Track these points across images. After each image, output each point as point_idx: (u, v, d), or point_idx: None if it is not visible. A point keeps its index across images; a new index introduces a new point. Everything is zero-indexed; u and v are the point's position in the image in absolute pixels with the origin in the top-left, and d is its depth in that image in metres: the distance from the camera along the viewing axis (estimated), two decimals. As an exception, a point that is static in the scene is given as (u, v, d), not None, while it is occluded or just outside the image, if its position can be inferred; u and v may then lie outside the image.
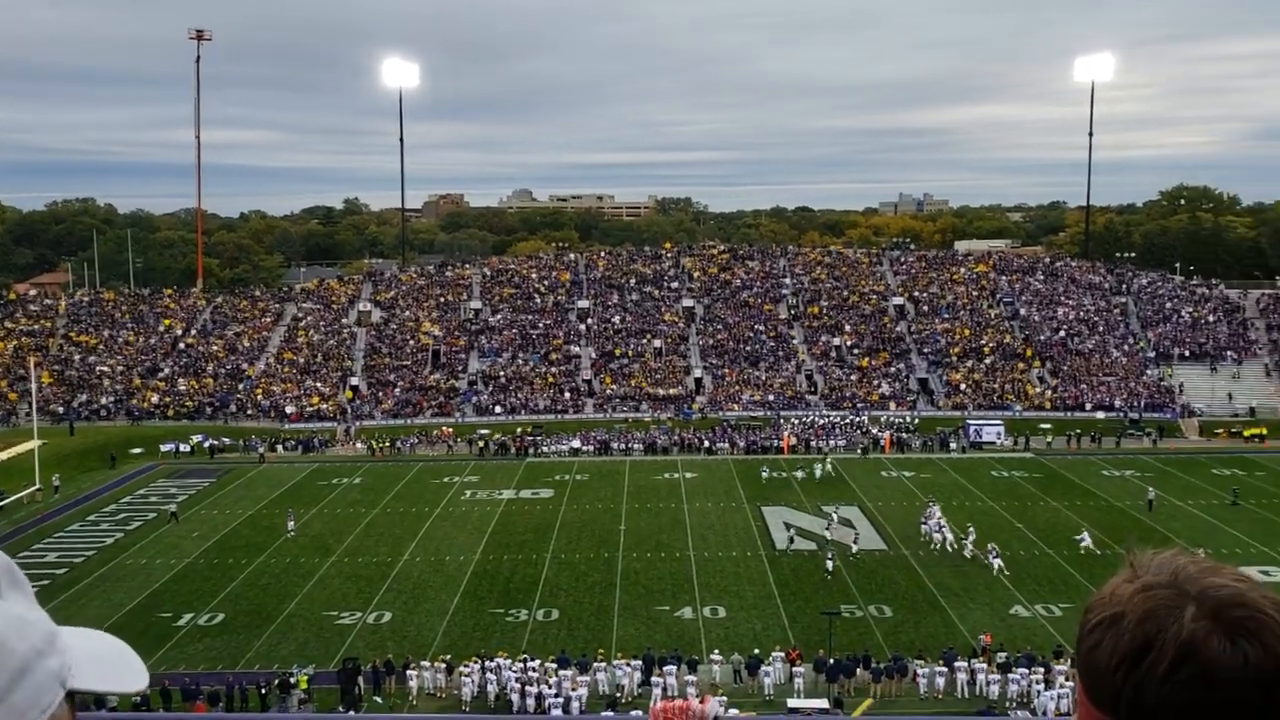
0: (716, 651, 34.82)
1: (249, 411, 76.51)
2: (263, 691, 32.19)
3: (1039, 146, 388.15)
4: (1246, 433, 69.18)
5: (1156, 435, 69.12)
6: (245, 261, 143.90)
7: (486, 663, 33.76)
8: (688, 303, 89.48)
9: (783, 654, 34.33)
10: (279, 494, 59.10)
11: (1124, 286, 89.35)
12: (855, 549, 46.27)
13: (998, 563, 43.62)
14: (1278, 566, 43.99)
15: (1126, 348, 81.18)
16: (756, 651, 34.83)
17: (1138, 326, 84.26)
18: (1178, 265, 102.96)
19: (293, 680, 32.36)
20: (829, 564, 43.84)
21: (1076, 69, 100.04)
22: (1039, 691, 32.07)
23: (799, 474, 59.40)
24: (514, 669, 33.29)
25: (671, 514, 53.70)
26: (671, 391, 78.52)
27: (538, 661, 33.91)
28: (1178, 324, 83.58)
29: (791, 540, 47.72)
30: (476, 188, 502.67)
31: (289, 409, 75.81)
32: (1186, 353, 79.86)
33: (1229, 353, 79.45)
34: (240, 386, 79.29)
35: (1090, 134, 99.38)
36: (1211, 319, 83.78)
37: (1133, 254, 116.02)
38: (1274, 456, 64.46)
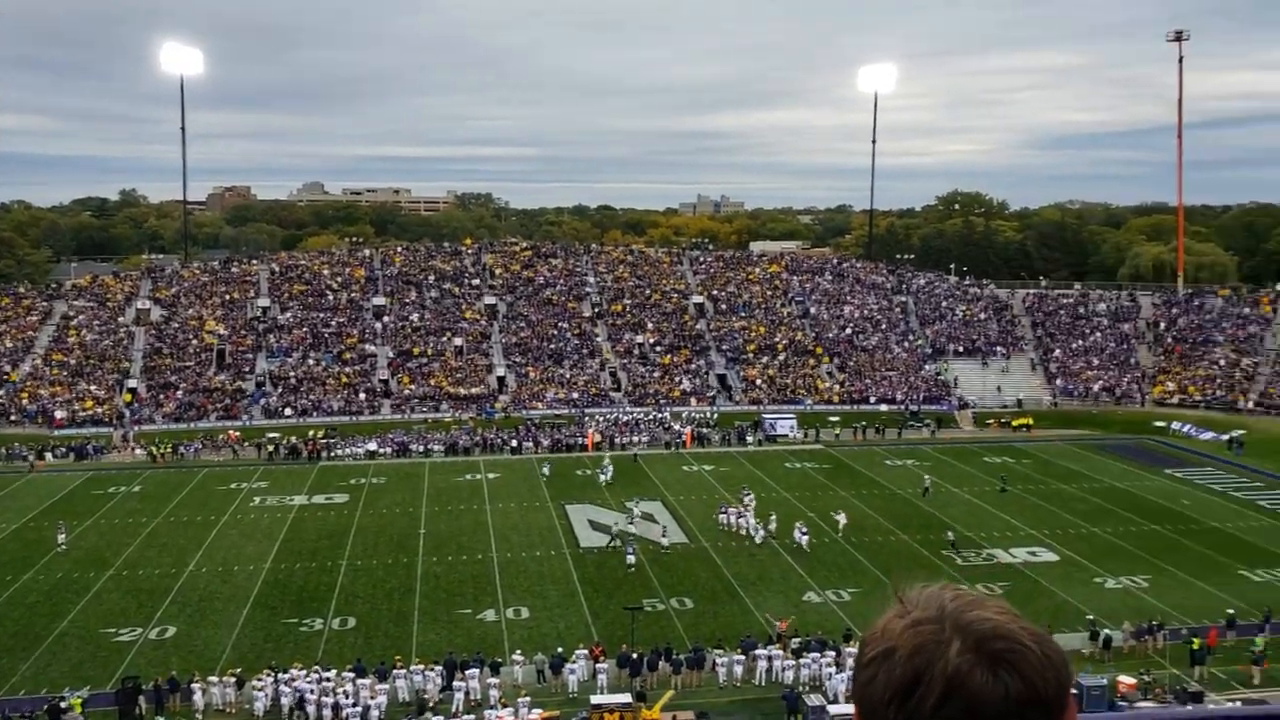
0: (519, 652, 34.60)
1: (12, 417, 70.73)
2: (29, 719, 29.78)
3: (828, 152, 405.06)
4: (1015, 423, 74.31)
5: (934, 426, 73.33)
6: (8, 256, 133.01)
7: (280, 675, 32.38)
8: (489, 300, 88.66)
9: (586, 651, 34.44)
10: (49, 505, 54.90)
11: (904, 287, 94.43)
12: (666, 543, 47.04)
13: (805, 539, 46.40)
14: (1043, 547, 47.47)
15: (907, 344, 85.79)
16: (560, 650, 34.81)
17: (917, 324, 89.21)
18: (952, 266, 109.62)
19: (64, 705, 30.07)
20: (630, 558, 44.43)
21: (861, 78, 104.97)
22: (830, 675, 33.40)
23: (602, 476, 59.60)
24: (309, 680, 32.07)
25: (473, 516, 53.05)
26: (473, 391, 77.60)
27: (334, 671, 32.80)
28: (952, 322, 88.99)
29: (614, 540, 48.03)
30: (264, 180, 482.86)
31: (58, 413, 70.52)
32: (960, 348, 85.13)
33: (998, 348, 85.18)
34: (1, 391, 73.19)
35: (874, 141, 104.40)
36: (983, 317, 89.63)
37: (912, 256, 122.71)
38: (1039, 445, 69.53)
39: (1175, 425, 72.10)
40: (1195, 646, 34.29)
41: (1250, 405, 74.65)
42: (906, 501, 55.04)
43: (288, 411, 73.86)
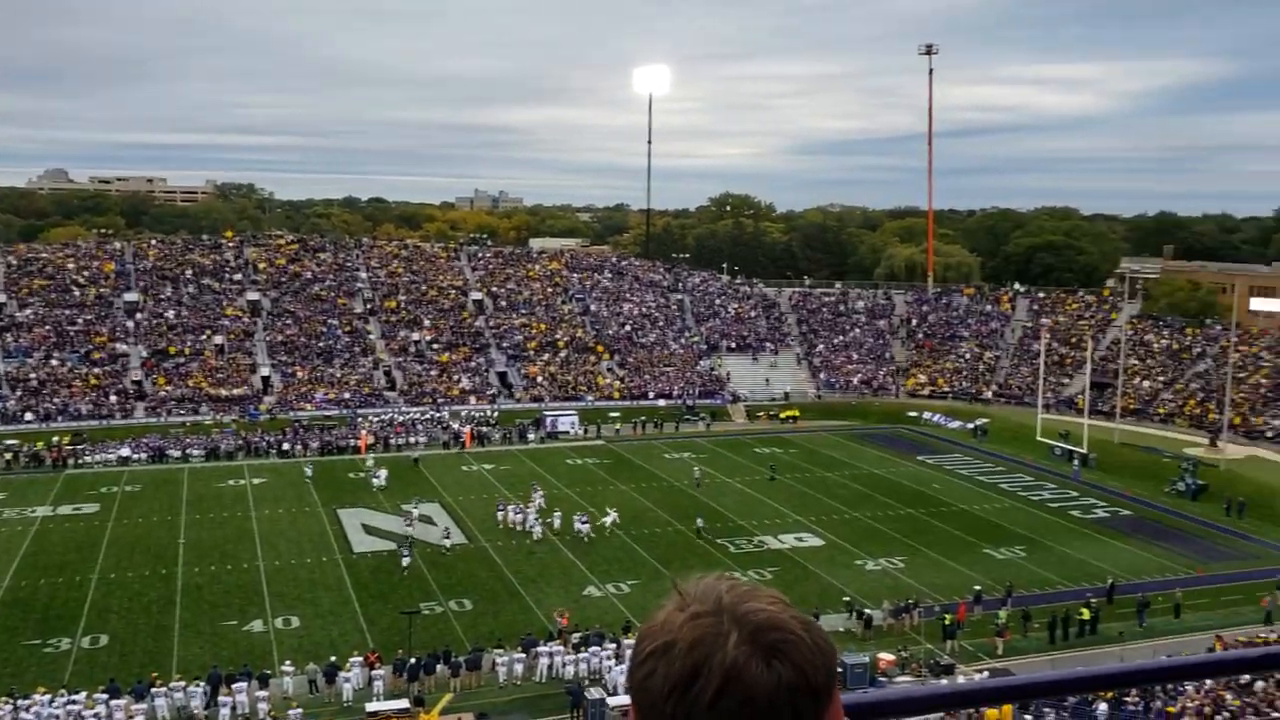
0: (289, 663, 33.18)
1: None
2: None
3: (606, 150, 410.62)
4: (782, 415, 77.51)
5: (709, 419, 75.50)
6: None
7: (19, 701, 29.71)
8: (253, 296, 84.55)
9: (361, 658, 33.42)
10: None
11: (680, 285, 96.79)
12: (449, 544, 46.23)
13: (585, 527, 47.51)
14: (810, 533, 49.69)
15: (683, 341, 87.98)
16: (333, 659, 33.62)
17: (692, 321, 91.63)
18: (725, 266, 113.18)
19: None
20: (404, 560, 43.57)
21: (636, 79, 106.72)
22: (610, 667, 33.77)
23: (375, 481, 57.59)
24: (54, 706, 29.59)
25: (238, 523, 50.45)
26: (236, 392, 73.80)
27: (83, 694, 30.40)
28: (725, 319, 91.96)
29: (410, 544, 46.69)
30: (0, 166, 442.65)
31: None
32: (733, 345, 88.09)
33: (767, 344, 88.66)
34: None
35: (649, 141, 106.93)
36: (753, 314, 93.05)
37: (687, 255, 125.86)
38: (805, 435, 72.79)
39: (926, 415, 77.15)
40: (947, 622, 36.77)
41: (992, 395, 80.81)
42: (683, 493, 56.35)
43: (28, 416, 67.99)
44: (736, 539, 48.46)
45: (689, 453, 66.49)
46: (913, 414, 77.83)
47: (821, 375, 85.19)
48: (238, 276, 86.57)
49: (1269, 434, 65.23)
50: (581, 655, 34.35)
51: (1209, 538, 50.12)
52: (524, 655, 34.29)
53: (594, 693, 31.80)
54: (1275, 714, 25.74)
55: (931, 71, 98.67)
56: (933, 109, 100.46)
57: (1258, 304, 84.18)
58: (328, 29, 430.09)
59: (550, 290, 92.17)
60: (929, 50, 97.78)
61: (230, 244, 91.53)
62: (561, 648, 34.72)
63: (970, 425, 73.04)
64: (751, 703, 1.43)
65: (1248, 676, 27.66)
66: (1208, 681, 27.80)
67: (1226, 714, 26.44)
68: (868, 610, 38.27)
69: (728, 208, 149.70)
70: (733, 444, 69.77)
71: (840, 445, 69.96)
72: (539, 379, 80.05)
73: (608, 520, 49.46)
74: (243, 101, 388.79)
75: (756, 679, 1.43)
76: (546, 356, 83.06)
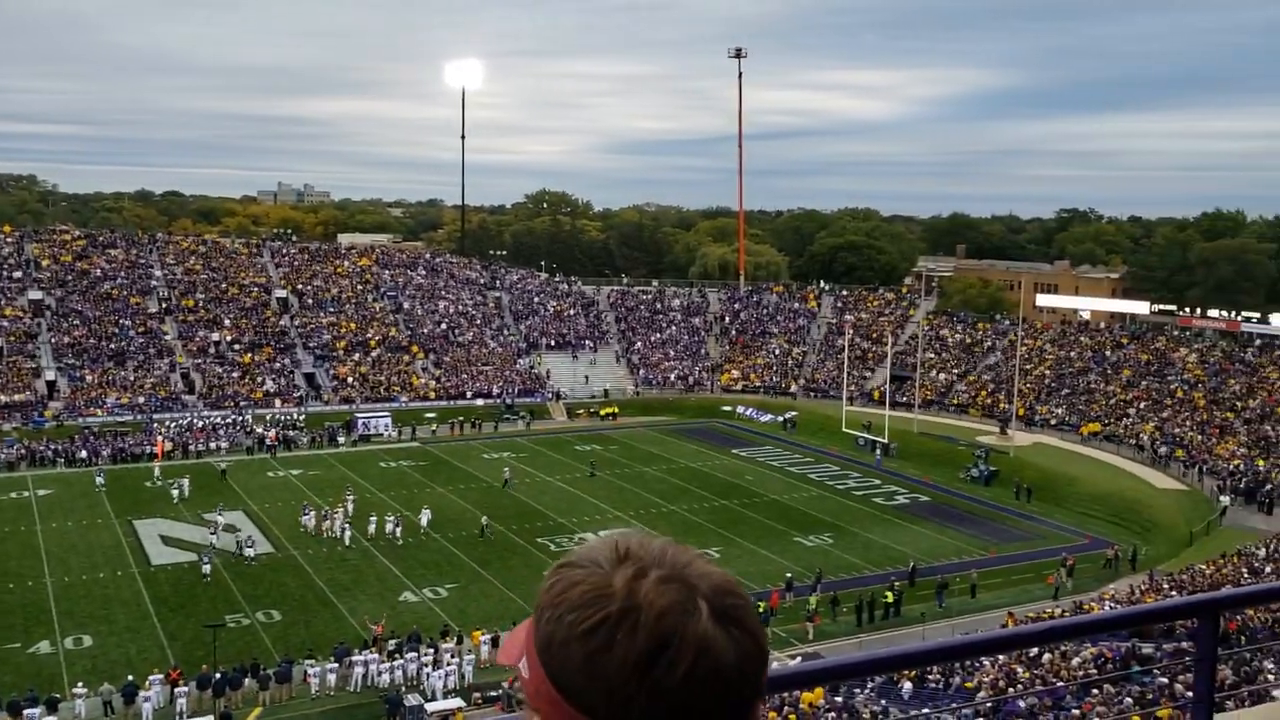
0: (81, 684, 31.03)
1: None
2: None
3: (418, 145, 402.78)
4: (602, 412, 77.90)
5: (529, 418, 75.10)
6: None
7: None
8: (35, 295, 78.64)
9: (162, 676, 31.58)
10: None
11: (497, 282, 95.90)
12: (251, 554, 44.14)
13: (397, 530, 46.82)
14: (628, 527, 50.05)
15: (501, 339, 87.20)
16: (131, 678, 31.61)
17: (510, 319, 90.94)
18: (543, 263, 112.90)
19: None
20: (205, 568, 41.58)
21: (448, 73, 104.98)
22: (429, 674, 33.06)
23: (174, 491, 54.45)
24: None
25: (21, 538, 46.83)
26: (17, 398, 68.44)
27: None
28: (544, 317, 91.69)
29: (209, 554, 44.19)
30: None
31: None
32: (552, 342, 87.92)
33: (587, 341, 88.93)
34: None
35: (463, 136, 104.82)
36: (572, 312, 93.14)
37: (504, 252, 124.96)
38: (624, 431, 73.39)
39: (740, 409, 79.12)
40: (761, 609, 37.73)
41: (800, 389, 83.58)
42: (503, 494, 55.82)
43: None
44: (557, 537, 48.34)
45: (508, 452, 65.94)
46: (727, 408, 79.64)
47: (640, 372, 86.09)
48: (17, 274, 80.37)
49: (1052, 422, 69.95)
50: (397, 662, 33.51)
51: (1001, 520, 53.31)
52: (337, 665, 33.18)
53: (412, 699, 31.05)
54: (1060, 683, 27.47)
55: (741, 75, 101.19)
56: (742, 111, 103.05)
57: (1042, 300, 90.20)
58: (113, 11, 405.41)
59: (360, 288, 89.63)
60: (738, 54, 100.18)
61: (8, 239, 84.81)
62: (376, 655, 33.76)
63: (781, 418, 75.34)
64: (719, 675, 1.28)
65: (1036, 650, 29.49)
66: (1000, 656, 29.46)
67: (1020, 685, 28.08)
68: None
69: (545, 205, 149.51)
70: (553, 442, 69.62)
71: (658, 440, 70.88)
72: (349, 380, 77.68)
73: (423, 520, 48.63)
74: (18, 87, 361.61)
75: (724, 650, 1.29)
76: (357, 356, 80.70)
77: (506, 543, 47.48)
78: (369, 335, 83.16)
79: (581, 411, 78.36)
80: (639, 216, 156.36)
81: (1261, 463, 57.04)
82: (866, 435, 67.19)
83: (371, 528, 47.47)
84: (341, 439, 68.37)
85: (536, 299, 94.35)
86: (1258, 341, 71.39)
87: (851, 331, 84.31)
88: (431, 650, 34.03)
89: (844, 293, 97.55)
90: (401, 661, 33.52)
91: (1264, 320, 73.26)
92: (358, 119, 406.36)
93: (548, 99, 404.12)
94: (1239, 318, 74.46)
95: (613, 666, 1.27)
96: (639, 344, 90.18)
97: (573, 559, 1.37)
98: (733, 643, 1.29)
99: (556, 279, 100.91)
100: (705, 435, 72.92)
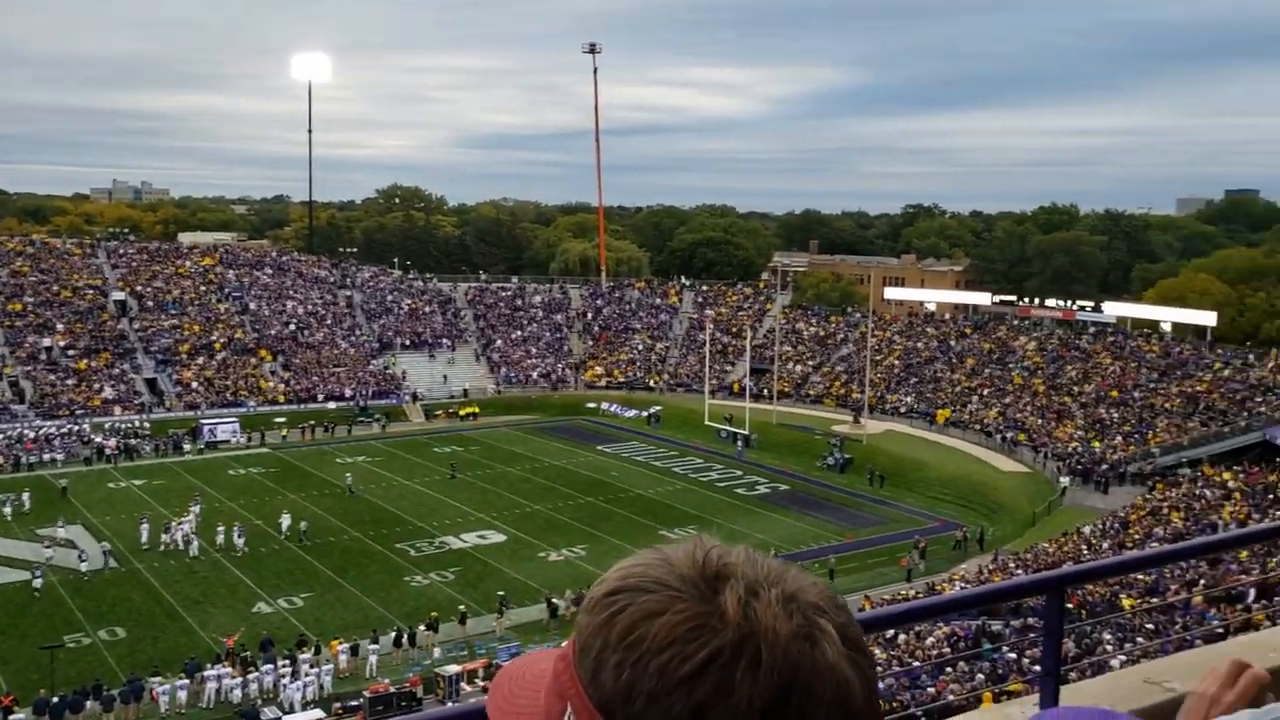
0: (-102, 721, 28.74)
1: None
2: None
3: (262, 140, 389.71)
4: (462, 412, 76.76)
5: (385, 420, 73.39)
6: None
7: None
8: None
9: (-10, 706, 29.55)
10: None
11: (348, 281, 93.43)
12: (85, 570, 41.76)
13: (241, 540, 44.94)
14: (492, 529, 49.45)
15: (353, 339, 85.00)
16: (-45, 710, 29.48)
17: (363, 319, 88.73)
18: (396, 260, 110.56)
19: None
20: (36, 582, 39.24)
21: (294, 66, 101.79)
22: (285, 685, 31.92)
23: (6, 508, 51.08)
24: None
25: None
26: None
27: None
28: (399, 315, 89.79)
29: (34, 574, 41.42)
30: None
31: None
32: (407, 342, 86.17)
33: (444, 340, 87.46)
34: None
35: (310, 131, 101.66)
36: (428, 310, 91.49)
37: (355, 249, 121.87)
38: (485, 432, 72.47)
39: (604, 405, 79.15)
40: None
41: (663, 384, 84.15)
42: (359, 499, 54.39)
43: None
44: (417, 542, 47.35)
45: (363, 456, 64.32)
46: (591, 405, 79.55)
47: (501, 370, 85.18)
48: None
49: (902, 410, 72.26)
50: (252, 675, 32.23)
51: (856, 506, 54.76)
52: (188, 681, 31.70)
53: (268, 713, 29.90)
54: (915, 663, 28.30)
55: (596, 70, 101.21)
56: (599, 107, 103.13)
57: (891, 293, 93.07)
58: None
59: (204, 288, 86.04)
60: (593, 49, 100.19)
61: None
62: (229, 669, 32.39)
63: (645, 413, 75.69)
64: (853, 712, 1.00)
65: (891, 631, 30.32)
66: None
67: (879, 668, 28.83)
68: (554, 600, 38.55)
69: (397, 200, 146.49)
70: (411, 444, 68.21)
71: (521, 440, 70.26)
72: (194, 385, 74.45)
73: (284, 524, 47.08)
74: None
75: (854, 682, 1.01)
76: (201, 360, 77.41)
77: (364, 549, 46.23)
78: (214, 338, 79.87)
79: (440, 412, 77.05)
80: (496, 212, 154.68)
81: (1097, 444, 60.15)
82: (728, 428, 68.09)
83: (219, 537, 45.59)
84: (187, 446, 65.48)
85: (390, 297, 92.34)
86: (1091, 329, 75.27)
87: (712, 326, 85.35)
88: (289, 661, 32.85)
89: (704, 288, 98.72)
90: (257, 674, 32.26)
91: (1097, 309, 77.25)
92: (199, 113, 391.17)
93: (398, 93, 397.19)
94: (1074, 307, 78.30)
95: (734, 717, 0.94)
96: (499, 342, 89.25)
97: (631, 583, 1.03)
98: (858, 671, 1.02)
99: (411, 276, 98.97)
100: (569, 433, 72.65)
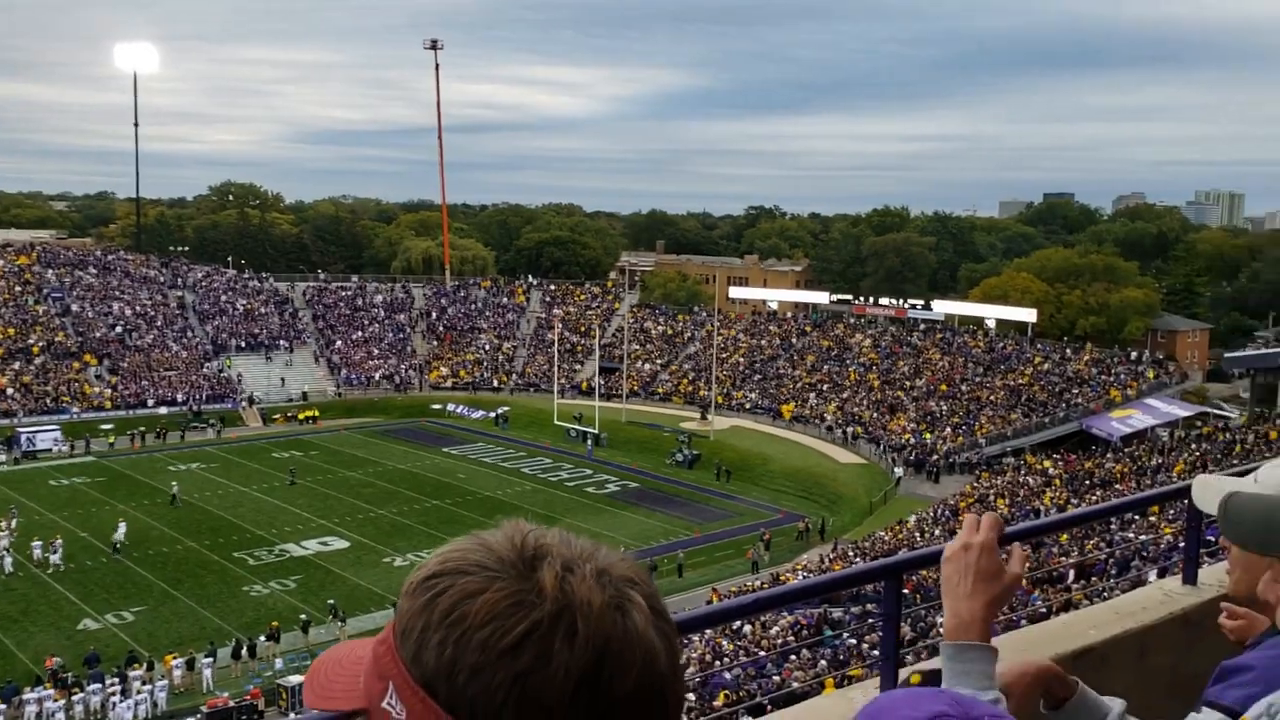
0: None
1: None
2: None
3: (84, 133, 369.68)
4: (301, 415, 74.44)
5: (220, 425, 70.54)
6: None
7: None
8: None
9: None
10: None
11: (180, 280, 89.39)
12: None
13: (56, 558, 42.43)
14: (334, 536, 48.16)
15: (185, 341, 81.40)
16: None
17: (195, 320, 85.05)
18: (230, 259, 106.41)
19: None
20: None
21: (118, 55, 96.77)
22: (115, 704, 30.37)
23: None
24: None
25: None
26: None
27: None
28: (234, 316, 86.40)
29: None
30: None
31: None
32: (243, 343, 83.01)
33: (282, 342, 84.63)
34: None
35: (136, 124, 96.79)
36: (264, 311, 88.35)
37: (186, 248, 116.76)
38: (326, 435, 70.49)
39: (450, 407, 78.06)
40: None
41: (511, 384, 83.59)
42: (193, 507, 52.12)
43: None
44: (256, 550, 45.70)
45: (197, 463, 61.68)
46: (436, 407, 78.34)
47: (342, 372, 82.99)
48: None
49: (747, 405, 73.83)
50: (77, 696, 30.50)
51: (704, 501, 55.65)
52: (4, 706, 29.75)
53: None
54: (761, 652, 28.97)
55: (438, 66, 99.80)
56: (441, 104, 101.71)
57: (735, 292, 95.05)
58: None
59: (19, 289, 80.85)
60: (434, 45, 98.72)
61: None
62: (51, 691, 30.55)
63: (492, 414, 75.01)
64: (660, 675, 1.07)
65: (739, 622, 30.95)
66: (707, 630, 30.67)
67: (725, 658, 29.34)
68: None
69: (230, 197, 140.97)
70: (248, 450, 65.77)
71: (364, 443, 68.63)
72: (9, 391, 69.88)
73: (119, 534, 44.76)
74: None
75: (660, 647, 1.08)
76: (18, 365, 72.71)
77: (200, 559, 44.33)
78: (31, 341, 75.15)
79: (278, 416, 74.53)
80: (335, 209, 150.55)
81: (928, 436, 62.83)
82: (578, 427, 68.15)
83: (37, 552, 42.93)
84: (2, 457, 61.44)
85: (224, 297, 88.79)
86: (921, 326, 78.57)
87: (560, 325, 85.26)
88: (118, 679, 31.22)
89: (551, 287, 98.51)
90: (82, 695, 30.53)
91: (927, 307, 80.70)
92: (12, 104, 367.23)
93: (230, 86, 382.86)
94: (906, 305, 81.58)
95: (553, 684, 1.00)
96: (339, 343, 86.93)
97: (450, 566, 1.08)
98: (663, 638, 1.08)
99: (246, 275, 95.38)
100: (414, 435, 71.36)
